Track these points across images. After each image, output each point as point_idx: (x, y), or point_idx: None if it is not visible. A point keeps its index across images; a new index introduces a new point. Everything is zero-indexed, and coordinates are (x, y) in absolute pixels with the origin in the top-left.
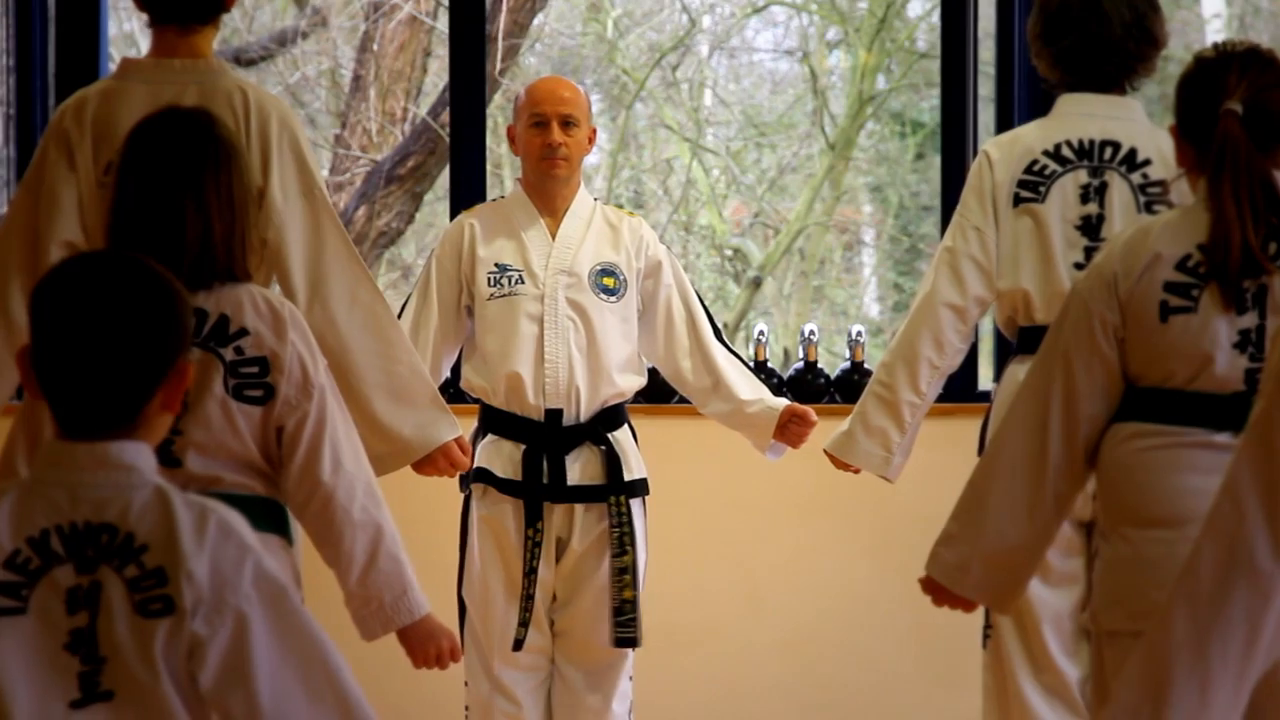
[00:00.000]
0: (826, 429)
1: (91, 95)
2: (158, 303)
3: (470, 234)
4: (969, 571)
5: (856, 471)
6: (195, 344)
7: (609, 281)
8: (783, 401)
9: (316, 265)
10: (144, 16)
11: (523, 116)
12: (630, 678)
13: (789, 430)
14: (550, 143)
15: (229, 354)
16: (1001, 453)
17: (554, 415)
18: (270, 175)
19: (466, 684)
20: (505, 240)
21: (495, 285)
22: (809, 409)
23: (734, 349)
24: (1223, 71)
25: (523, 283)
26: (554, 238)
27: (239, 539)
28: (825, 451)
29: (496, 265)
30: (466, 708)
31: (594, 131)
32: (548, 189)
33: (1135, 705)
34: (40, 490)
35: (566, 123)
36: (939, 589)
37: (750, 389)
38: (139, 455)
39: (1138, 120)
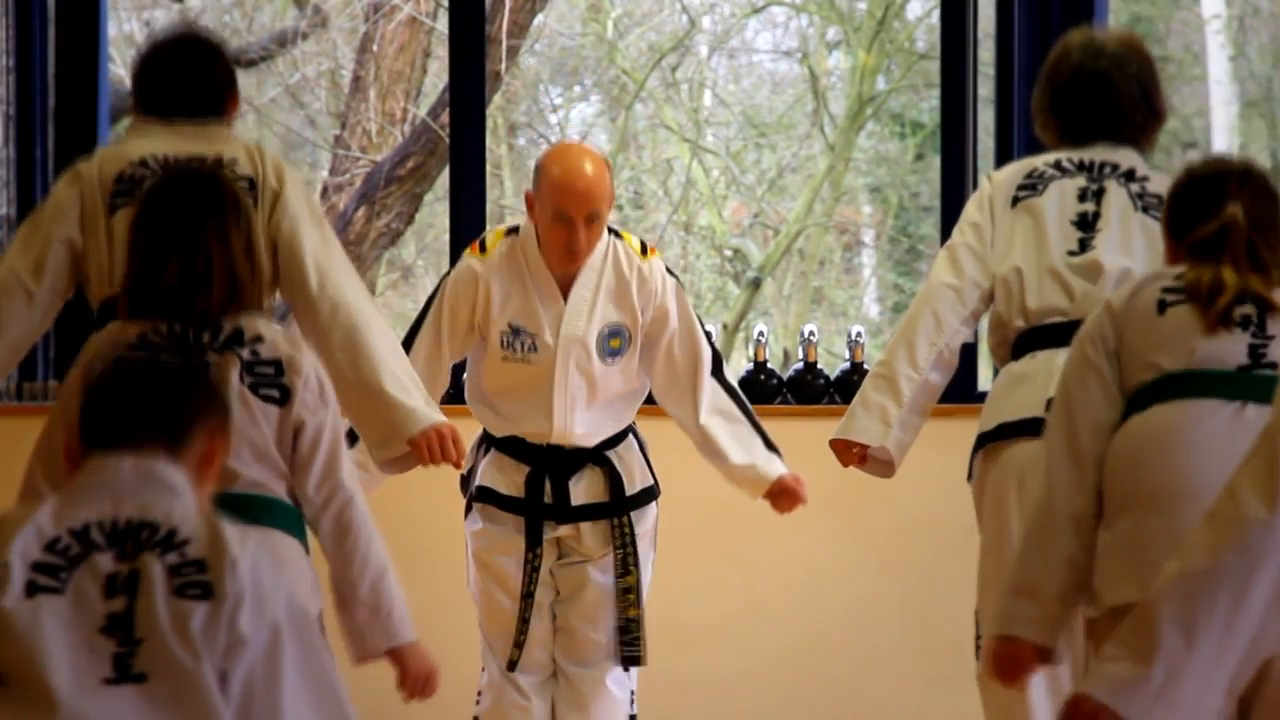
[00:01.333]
0: (826, 431)
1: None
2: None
3: (485, 286)
4: (1055, 624)
5: (862, 460)
6: (213, 348)
7: (615, 343)
8: (777, 469)
9: (325, 256)
10: (146, 19)
11: (546, 202)
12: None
13: (778, 500)
14: (574, 245)
15: (245, 353)
16: (1036, 509)
17: (557, 446)
18: (285, 182)
19: (484, 669)
20: (518, 299)
21: (508, 348)
22: (800, 485)
23: (734, 386)
24: (1222, 183)
25: (535, 350)
26: (566, 300)
27: (276, 564)
28: (829, 442)
29: (510, 327)
30: (479, 692)
31: (613, 197)
32: (564, 268)
33: (1127, 640)
34: (84, 495)
35: (591, 219)
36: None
37: (742, 451)
38: (186, 483)
39: (1136, 157)
